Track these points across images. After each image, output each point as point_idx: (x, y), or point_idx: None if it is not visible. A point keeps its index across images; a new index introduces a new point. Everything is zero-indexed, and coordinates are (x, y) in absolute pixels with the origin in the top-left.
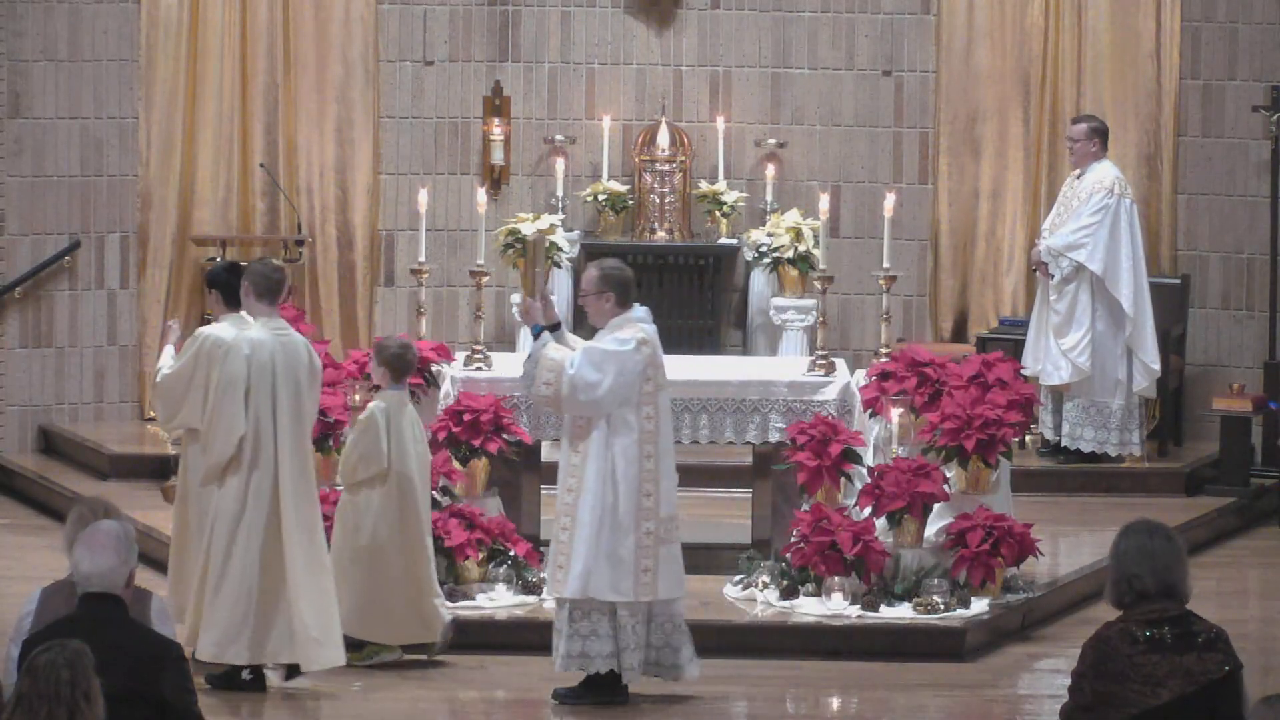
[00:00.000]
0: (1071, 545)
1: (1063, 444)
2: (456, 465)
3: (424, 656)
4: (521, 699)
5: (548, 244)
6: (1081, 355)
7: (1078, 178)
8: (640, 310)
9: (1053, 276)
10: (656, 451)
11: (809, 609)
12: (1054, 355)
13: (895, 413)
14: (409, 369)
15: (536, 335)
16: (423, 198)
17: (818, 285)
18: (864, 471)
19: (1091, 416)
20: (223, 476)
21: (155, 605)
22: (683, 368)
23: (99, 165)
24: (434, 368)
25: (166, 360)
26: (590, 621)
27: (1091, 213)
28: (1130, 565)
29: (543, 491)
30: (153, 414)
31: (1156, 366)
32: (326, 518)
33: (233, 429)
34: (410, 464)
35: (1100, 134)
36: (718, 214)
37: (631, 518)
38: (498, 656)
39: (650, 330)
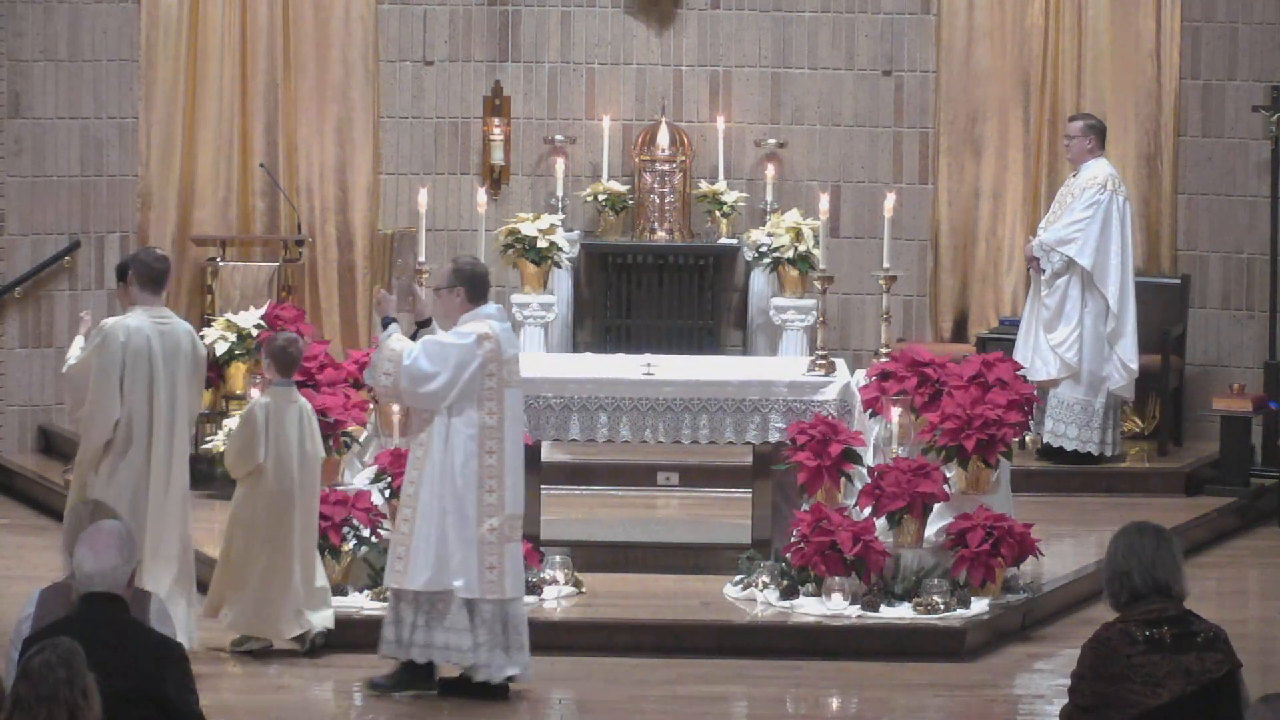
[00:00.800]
0: (1071, 545)
1: (1045, 440)
2: None
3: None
4: (522, 699)
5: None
6: (1069, 351)
7: (1074, 176)
8: (492, 308)
9: (1043, 271)
10: (500, 449)
11: (809, 609)
12: (1043, 350)
13: (895, 413)
14: (293, 364)
15: (384, 326)
16: (423, 198)
17: (818, 285)
18: (864, 471)
19: (1076, 414)
20: (99, 461)
21: (154, 606)
22: (683, 368)
23: (99, 165)
24: None
25: (75, 350)
26: (439, 614)
27: (1084, 208)
28: (1121, 563)
29: (543, 491)
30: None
31: (1134, 366)
32: (325, 517)
33: (108, 414)
34: (290, 461)
35: (1096, 131)
36: (718, 214)
37: (474, 513)
38: None
39: (498, 327)
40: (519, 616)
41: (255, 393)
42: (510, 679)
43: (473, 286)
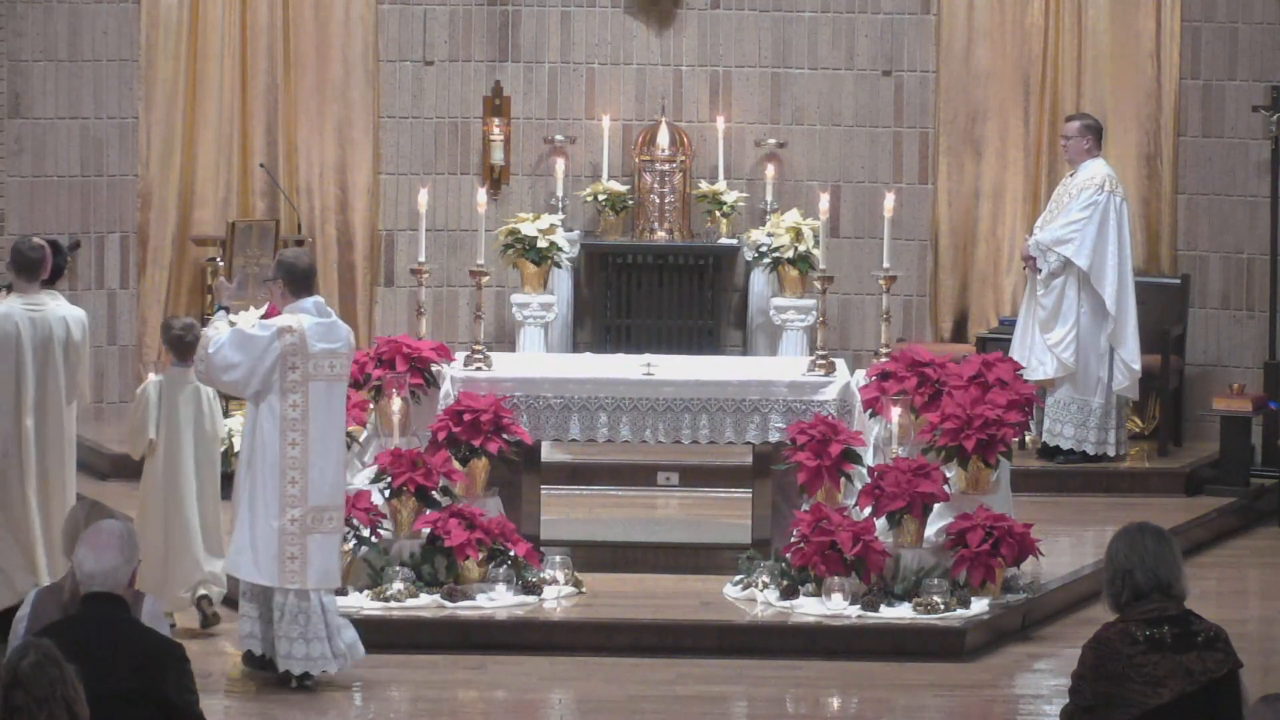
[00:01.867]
0: (1071, 545)
1: (1042, 439)
2: (456, 465)
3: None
4: (521, 699)
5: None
6: (1066, 351)
7: (1071, 176)
8: (309, 301)
9: (1040, 271)
10: (304, 440)
11: (809, 609)
12: (1039, 350)
13: (895, 413)
14: (189, 350)
15: (216, 313)
16: (423, 198)
17: (818, 285)
18: (864, 471)
19: (1073, 414)
20: None
21: (147, 606)
22: (683, 368)
23: (99, 165)
24: (434, 368)
25: None
26: (256, 604)
27: (1081, 208)
28: (1122, 562)
29: (543, 491)
30: None
31: (1137, 366)
32: None
33: None
34: (181, 440)
35: (1094, 131)
36: (718, 214)
37: (276, 503)
38: (498, 656)
39: (309, 321)
40: (329, 608)
41: (151, 376)
42: (320, 672)
43: (291, 278)
